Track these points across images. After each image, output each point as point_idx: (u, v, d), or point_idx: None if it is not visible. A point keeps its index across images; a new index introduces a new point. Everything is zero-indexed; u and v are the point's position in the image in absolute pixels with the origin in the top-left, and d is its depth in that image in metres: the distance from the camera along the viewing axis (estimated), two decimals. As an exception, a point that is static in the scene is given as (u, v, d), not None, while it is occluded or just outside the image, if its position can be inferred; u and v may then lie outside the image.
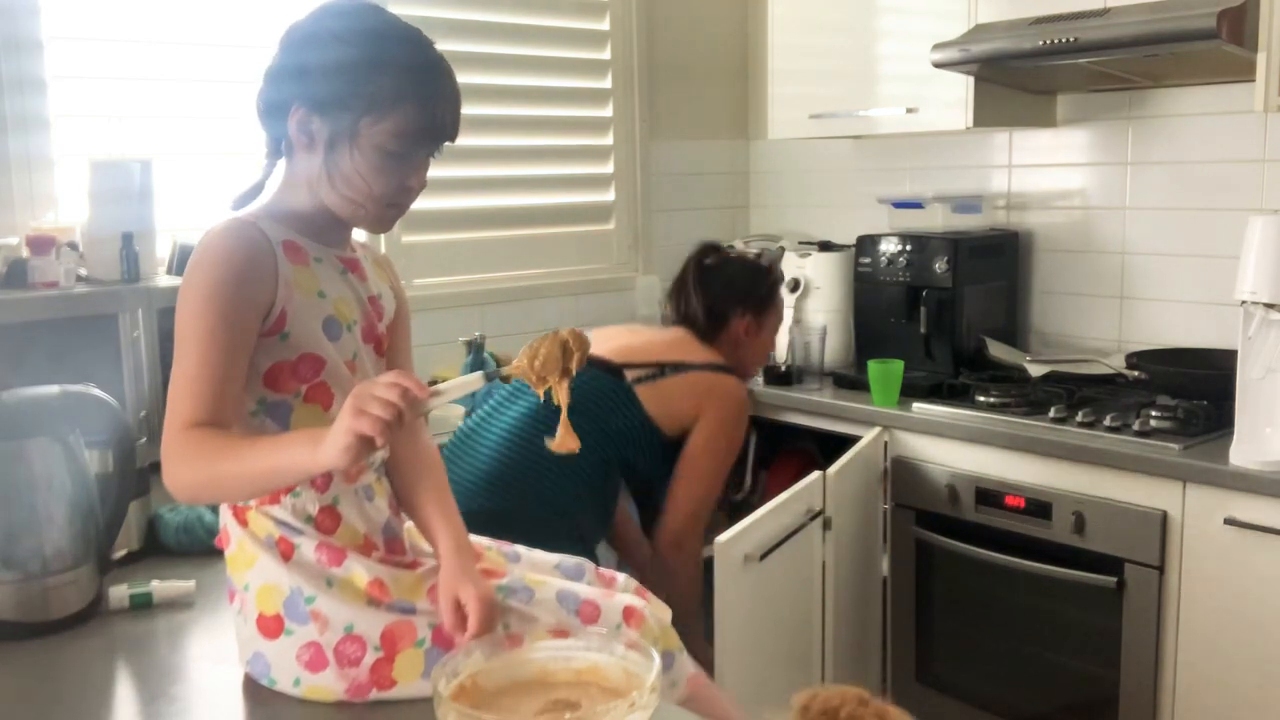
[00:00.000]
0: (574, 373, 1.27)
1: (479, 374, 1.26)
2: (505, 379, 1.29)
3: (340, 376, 1.43)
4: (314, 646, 1.35)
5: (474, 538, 1.62)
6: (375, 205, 1.40)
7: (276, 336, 1.38)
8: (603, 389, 2.34)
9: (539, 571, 1.57)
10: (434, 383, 3.08)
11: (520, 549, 1.64)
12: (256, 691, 1.39)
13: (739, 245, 3.57)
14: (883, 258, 3.06)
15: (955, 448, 2.62)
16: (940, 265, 2.92)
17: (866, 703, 1.64)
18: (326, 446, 1.19)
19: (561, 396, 1.27)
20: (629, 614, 1.49)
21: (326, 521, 1.42)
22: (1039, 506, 2.47)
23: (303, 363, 1.40)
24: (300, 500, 1.41)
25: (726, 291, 2.59)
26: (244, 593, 1.40)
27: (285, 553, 1.39)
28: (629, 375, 2.39)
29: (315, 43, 1.38)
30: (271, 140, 1.43)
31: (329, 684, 1.35)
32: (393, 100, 1.35)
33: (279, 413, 1.40)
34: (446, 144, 1.43)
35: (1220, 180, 2.75)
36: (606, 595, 1.51)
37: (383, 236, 2.81)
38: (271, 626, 1.37)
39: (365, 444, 1.18)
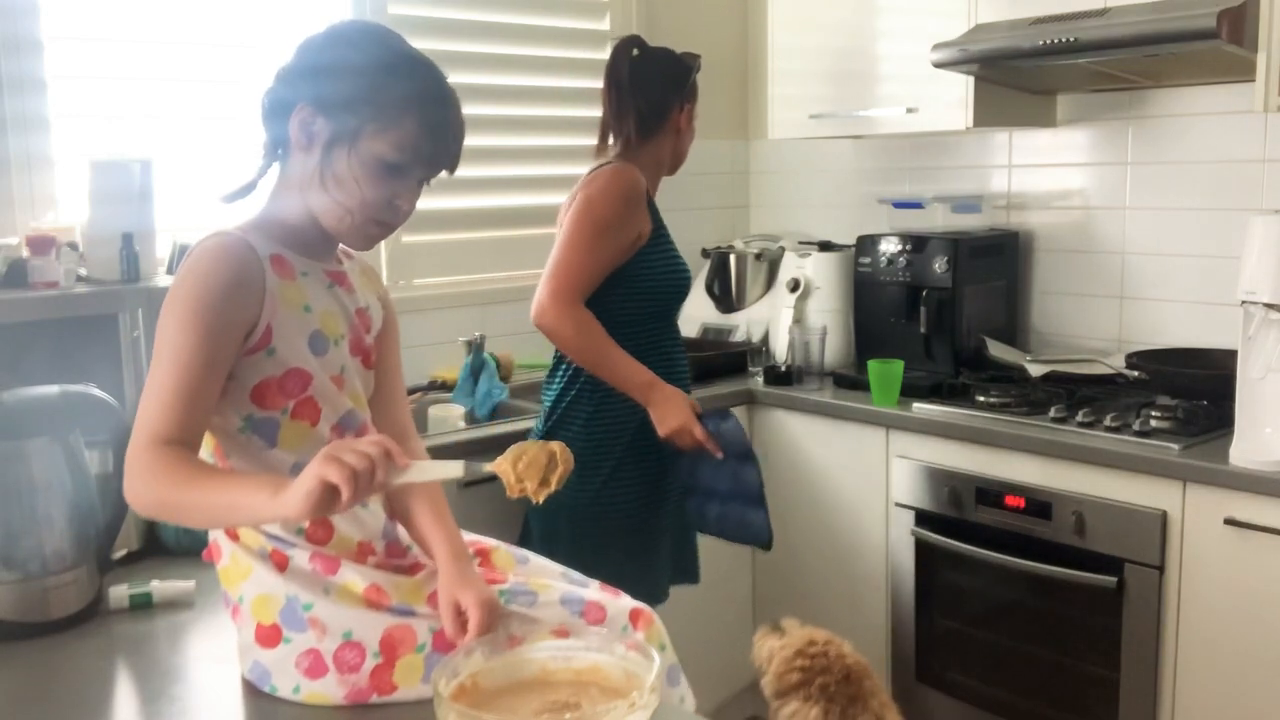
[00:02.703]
0: (553, 486, 1.25)
1: (461, 463, 1.25)
2: (485, 474, 1.27)
3: (327, 391, 1.43)
4: (313, 654, 1.35)
5: (482, 538, 1.62)
6: (362, 214, 1.40)
7: (263, 352, 1.37)
8: None
9: (544, 576, 1.56)
10: (434, 383, 3.10)
11: (530, 553, 1.64)
12: (256, 692, 1.39)
13: (739, 245, 3.57)
14: (883, 258, 3.06)
15: (955, 448, 2.62)
16: (940, 265, 2.92)
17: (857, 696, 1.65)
18: (289, 493, 1.16)
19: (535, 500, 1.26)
20: (635, 616, 1.49)
21: (319, 532, 1.42)
22: (1039, 506, 2.47)
23: (289, 378, 1.40)
24: None
25: (662, 84, 2.42)
26: (240, 604, 1.40)
27: (279, 563, 1.39)
28: None
29: (331, 49, 1.40)
30: (270, 140, 1.43)
31: (329, 690, 1.35)
32: (399, 112, 1.36)
33: (266, 429, 1.40)
34: (443, 174, 1.43)
35: (1220, 180, 2.75)
36: (612, 598, 1.51)
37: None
38: (270, 636, 1.37)
39: (330, 494, 1.13)
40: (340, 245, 1.51)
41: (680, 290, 2.46)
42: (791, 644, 1.74)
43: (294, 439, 1.41)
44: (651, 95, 2.39)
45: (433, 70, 1.41)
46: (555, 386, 2.40)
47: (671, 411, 2.28)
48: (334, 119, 1.37)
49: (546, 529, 2.34)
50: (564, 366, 2.40)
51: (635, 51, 2.40)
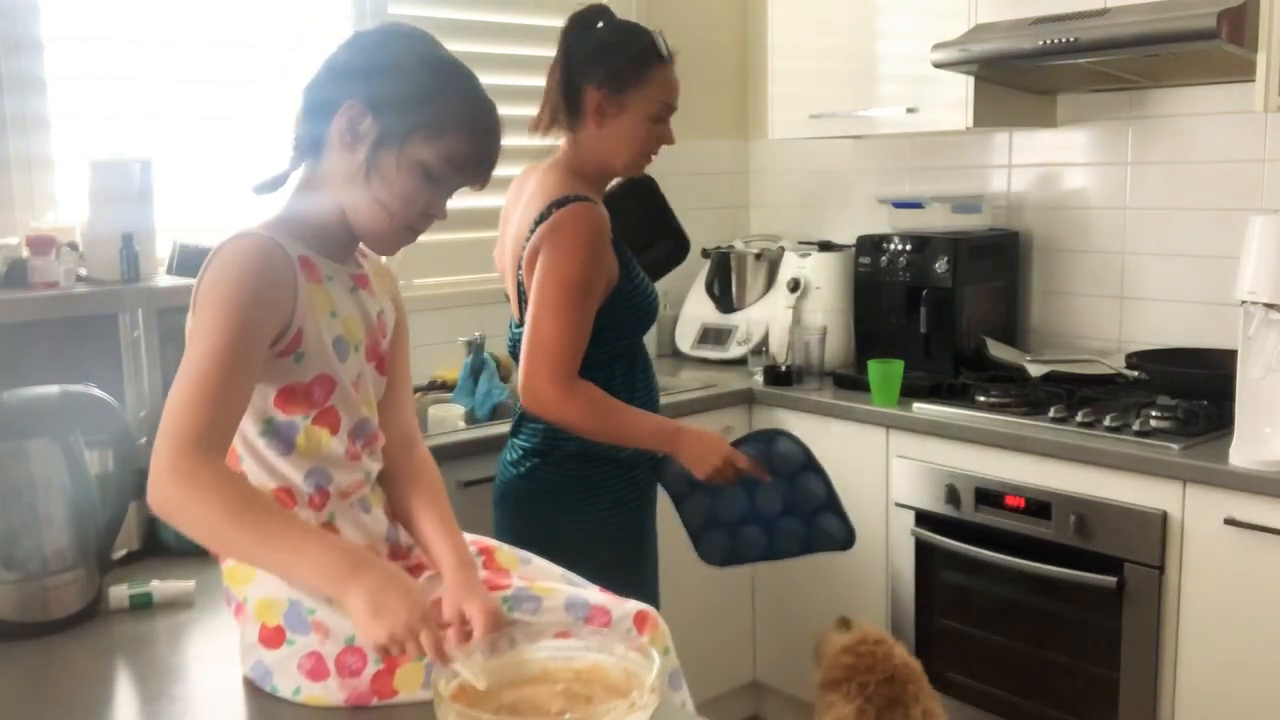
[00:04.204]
0: None
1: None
2: None
3: (348, 398, 1.42)
4: (315, 656, 1.34)
5: (484, 538, 1.61)
6: (401, 218, 1.40)
7: (291, 357, 1.36)
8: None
9: (547, 578, 1.56)
10: (434, 383, 3.09)
11: (531, 554, 1.63)
12: (256, 691, 1.39)
13: (739, 245, 3.57)
14: (883, 258, 3.06)
15: (955, 448, 2.62)
16: (940, 265, 2.92)
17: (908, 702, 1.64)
18: (354, 600, 1.21)
19: None
20: (641, 619, 1.48)
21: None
22: (1039, 506, 2.47)
23: (316, 384, 1.39)
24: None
25: (587, 57, 2.07)
26: (244, 604, 1.39)
27: None
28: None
29: (387, 51, 1.40)
30: (309, 135, 1.42)
31: (330, 693, 1.34)
32: (453, 125, 1.37)
33: (285, 435, 1.39)
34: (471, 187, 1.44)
35: (1220, 180, 2.75)
36: (617, 601, 1.50)
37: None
38: (273, 637, 1.36)
39: (394, 646, 1.22)
40: (359, 246, 1.50)
41: (651, 318, 2.20)
42: (845, 640, 1.74)
43: (310, 448, 1.40)
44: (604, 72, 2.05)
45: (480, 87, 1.42)
46: (536, 426, 2.15)
47: (707, 450, 2.05)
48: (385, 120, 1.36)
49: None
50: None
51: (600, 25, 2.11)
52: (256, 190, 1.45)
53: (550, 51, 2.15)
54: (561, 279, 1.99)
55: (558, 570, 1.61)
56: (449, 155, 1.37)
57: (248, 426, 1.38)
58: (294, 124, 1.44)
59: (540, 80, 2.17)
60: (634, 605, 1.50)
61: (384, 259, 1.60)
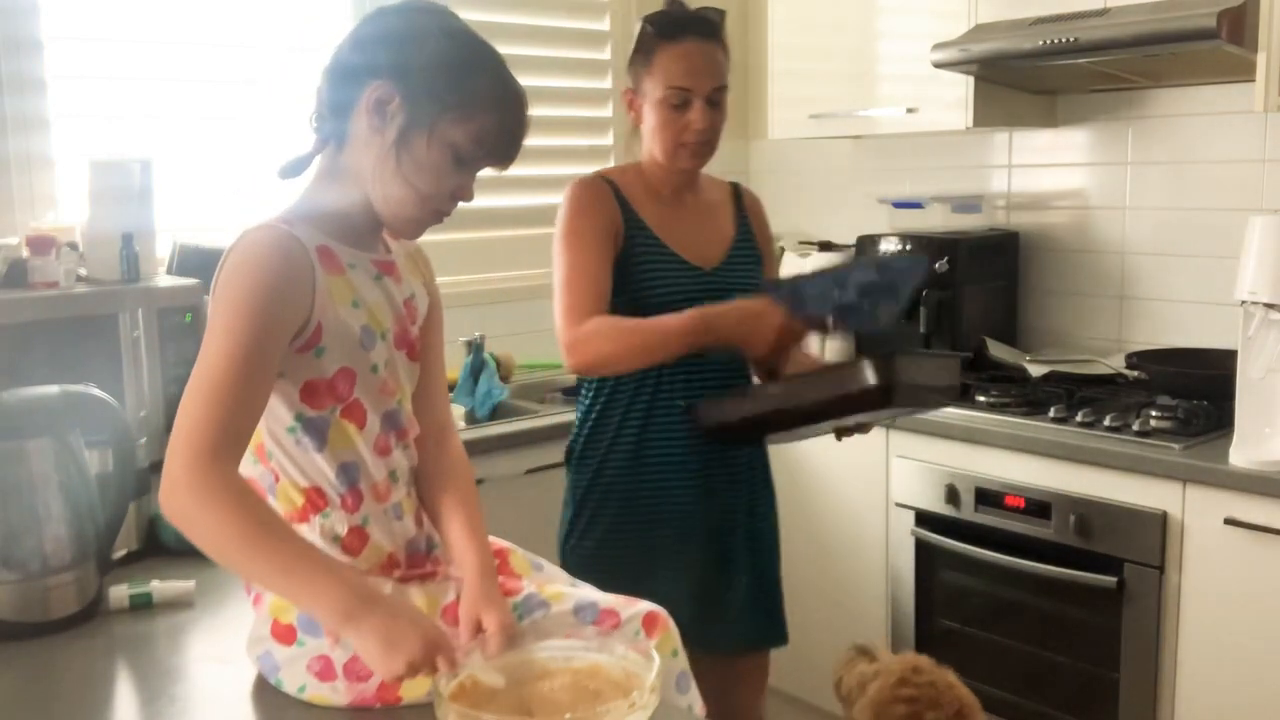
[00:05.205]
0: None
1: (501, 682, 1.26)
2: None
3: (372, 390, 1.41)
4: (324, 660, 1.34)
5: (501, 541, 1.61)
6: (434, 203, 1.37)
7: (311, 352, 1.34)
8: None
9: (557, 583, 1.55)
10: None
11: (543, 560, 1.63)
12: (257, 691, 1.39)
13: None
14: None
15: (955, 448, 2.62)
16: (940, 265, 2.92)
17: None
18: (366, 638, 1.20)
19: None
20: (650, 622, 1.46)
21: (354, 543, 1.40)
22: (1039, 506, 2.47)
23: (339, 378, 1.37)
24: (329, 521, 1.39)
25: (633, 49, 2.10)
26: (263, 595, 1.38)
27: None
28: None
29: (413, 28, 1.37)
30: (331, 117, 1.38)
31: (336, 695, 1.33)
32: (483, 105, 1.34)
33: (316, 428, 1.37)
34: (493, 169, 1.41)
35: (1220, 180, 2.75)
36: (625, 603, 1.49)
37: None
38: (285, 634, 1.36)
39: (410, 674, 1.21)
40: (385, 232, 1.47)
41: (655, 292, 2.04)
42: (894, 670, 1.60)
43: (341, 441, 1.38)
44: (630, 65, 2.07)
45: (506, 66, 1.39)
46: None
47: (757, 334, 1.84)
48: (413, 102, 1.33)
49: None
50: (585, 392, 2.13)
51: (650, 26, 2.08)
52: (280, 174, 1.42)
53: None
54: (557, 235, 2.05)
55: (566, 576, 1.60)
56: (479, 136, 1.35)
57: (278, 423, 1.36)
58: (316, 104, 1.40)
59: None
60: (644, 606, 1.48)
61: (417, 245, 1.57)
